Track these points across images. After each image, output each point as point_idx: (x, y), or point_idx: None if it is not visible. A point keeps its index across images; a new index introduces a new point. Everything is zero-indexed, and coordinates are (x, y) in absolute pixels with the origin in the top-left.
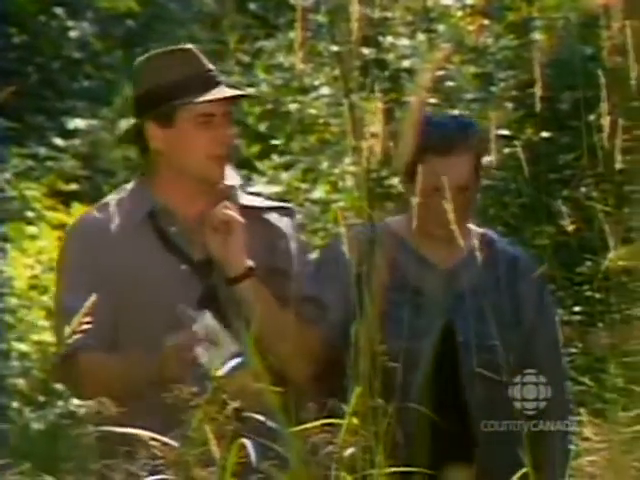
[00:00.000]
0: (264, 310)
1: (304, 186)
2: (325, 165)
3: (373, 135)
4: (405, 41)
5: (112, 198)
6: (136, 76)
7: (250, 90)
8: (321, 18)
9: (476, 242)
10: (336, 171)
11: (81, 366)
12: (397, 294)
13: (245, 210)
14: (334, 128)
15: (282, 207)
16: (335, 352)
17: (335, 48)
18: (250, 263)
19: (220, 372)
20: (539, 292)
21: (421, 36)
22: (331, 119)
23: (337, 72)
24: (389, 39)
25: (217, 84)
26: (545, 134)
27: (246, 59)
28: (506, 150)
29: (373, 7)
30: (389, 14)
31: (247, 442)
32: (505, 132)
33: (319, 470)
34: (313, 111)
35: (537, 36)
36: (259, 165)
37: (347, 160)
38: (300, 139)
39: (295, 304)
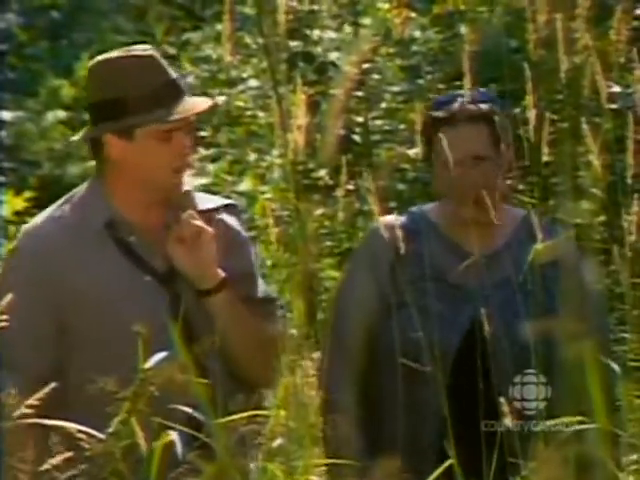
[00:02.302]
0: (236, 320)
1: (231, 178)
2: (252, 157)
3: (298, 128)
4: (332, 34)
5: (59, 208)
6: (93, 80)
7: (213, 100)
8: (248, 10)
9: (512, 225)
10: (263, 163)
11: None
12: (429, 284)
13: (203, 214)
14: (261, 120)
15: (229, 205)
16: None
17: (262, 40)
18: (222, 275)
19: (147, 365)
20: (584, 280)
21: (347, 29)
22: (258, 111)
23: (264, 64)
24: (316, 32)
25: (180, 94)
26: None
27: (172, 51)
28: None
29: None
30: (316, 7)
31: (174, 434)
32: None
33: (246, 461)
34: (240, 103)
35: (463, 29)
36: None
37: (274, 152)
38: (227, 131)
39: (256, 305)
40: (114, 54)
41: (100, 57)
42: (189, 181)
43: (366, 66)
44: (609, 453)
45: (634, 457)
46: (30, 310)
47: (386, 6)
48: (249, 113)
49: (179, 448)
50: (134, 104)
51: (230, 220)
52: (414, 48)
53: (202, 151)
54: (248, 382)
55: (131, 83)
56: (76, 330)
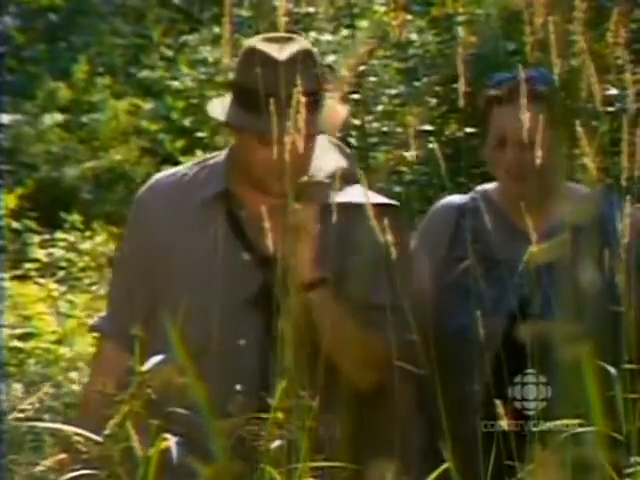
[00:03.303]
0: (331, 320)
1: None
2: None
3: (296, 130)
4: (328, 36)
5: (189, 167)
6: (242, 63)
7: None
8: (245, 12)
9: (576, 199)
10: None
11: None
12: (484, 264)
13: (333, 208)
14: None
15: (383, 204)
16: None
17: None
18: (322, 273)
19: (144, 367)
20: None
21: (344, 31)
22: None
23: None
24: (313, 34)
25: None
26: (468, 129)
27: (170, 53)
28: (430, 145)
29: (297, 2)
30: (313, 9)
31: (170, 437)
32: (429, 127)
33: (244, 464)
34: None
35: (460, 31)
36: (183, 160)
37: None
38: (224, 133)
39: (365, 312)
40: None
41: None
42: (326, 170)
43: (363, 69)
44: (607, 456)
45: (633, 460)
46: (128, 269)
47: (383, 9)
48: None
49: (174, 452)
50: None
51: (358, 217)
52: (411, 51)
53: (199, 154)
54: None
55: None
56: (165, 294)
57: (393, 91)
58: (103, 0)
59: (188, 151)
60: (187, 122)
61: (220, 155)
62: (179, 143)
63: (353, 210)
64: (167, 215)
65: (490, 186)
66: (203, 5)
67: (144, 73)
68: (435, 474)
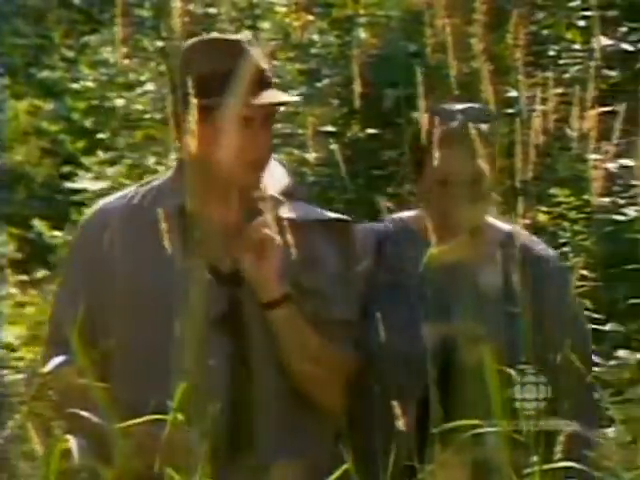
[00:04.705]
0: (295, 336)
1: (130, 182)
2: (151, 161)
3: (192, 132)
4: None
5: (135, 189)
6: (184, 58)
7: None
8: (145, 13)
9: (494, 239)
10: (161, 167)
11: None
12: (405, 292)
13: (286, 223)
14: (160, 124)
15: (333, 219)
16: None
17: (160, 44)
18: (285, 289)
19: (46, 369)
20: (565, 297)
21: (246, 32)
22: (157, 115)
23: (162, 68)
24: (214, 35)
25: (266, 85)
26: (370, 131)
27: (70, 54)
28: (332, 147)
29: (199, 3)
30: (214, 10)
31: (71, 438)
32: (331, 129)
33: (145, 466)
34: (139, 107)
35: (362, 33)
36: (84, 161)
37: (173, 156)
38: (126, 135)
39: (327, 327)
40: (208, 36)
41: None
42: (274, 186)
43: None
44: (508, 456)
45: (533, 459)
46: (78, 290)
47: (285, 10)
48: (147, 117)
49: (75, 453)
50: (219, 83)
51: (312, 234)
52: (313, 52)
53: (100, 155)
54: (312, 402)
55: (220, 63)
56: (125, 323)
57: (295, 92)
58: (3, 0)
59: (89, 152)
60: (88, 123)
61: (164, 175)
62: (80, 144)
63: (307, 226)
64: (121, 242)
65: (409, 214)
66: (104, 6)
67: (45, 74)
68: (336, 475)
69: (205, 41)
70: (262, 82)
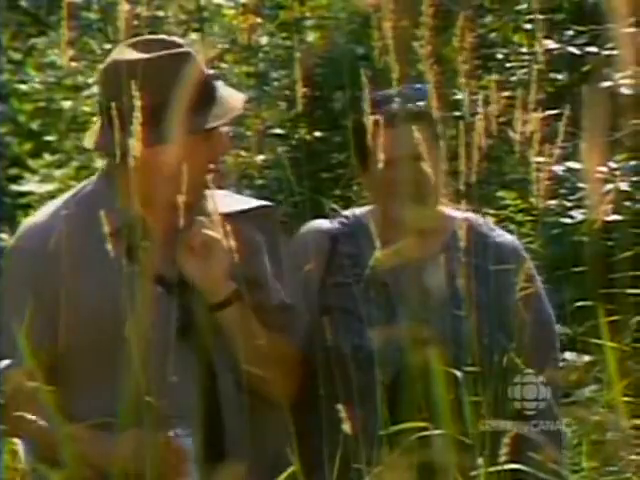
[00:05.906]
0: (248, 333)
1: (77, 184)
2: (99, 164)
3: (137, 134)
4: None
5: (64, 204)
6: (125, 80)
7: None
8: (93, 16)
9: (449, 229)
10: None
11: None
12: (361, 290)
13: (224, 220)
14: None
15: (259, 207)
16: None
17: (107, 46)
18: (233, 286)
19: None
20: (527, 282)
21: (194, 35)
22: None
23: None
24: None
25: (215, 92)
26: (318, 133)
27: (18, 56)
28: (280, 149)
29: (146, 5)
30: (161, 13)
31: (18, 441)
32: (279, 131)
33: (94, 469)
34: (86, 109)
35: (309, 36)
36: (31, 163)
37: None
38: (73, 137)
39: (270, 315)
40: (148, 54)
41: (128, 55)
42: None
43: (212, 72)
44: (454, 458)
45: (479, 461)
46: (26, 315)
47: (233, 12)
48: (95, 119)
49: (22, 456)
50: (171, 110)
51: (253, 225)
52: (261, 54)
53: (48, 157)
54: (268, 397)
55: (169, 87)
56: (74, 338)
57: (243, 95)
58: None
59: (36, 154)
60: (35, 125)
61: (87, 189)
62: (27, 146)
63: (236, 217)
64: (63, 258)
65: (362, 210)
66: (51, 9)
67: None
68: (283, 476)
69: (145, 42)
70: (211, 91)
